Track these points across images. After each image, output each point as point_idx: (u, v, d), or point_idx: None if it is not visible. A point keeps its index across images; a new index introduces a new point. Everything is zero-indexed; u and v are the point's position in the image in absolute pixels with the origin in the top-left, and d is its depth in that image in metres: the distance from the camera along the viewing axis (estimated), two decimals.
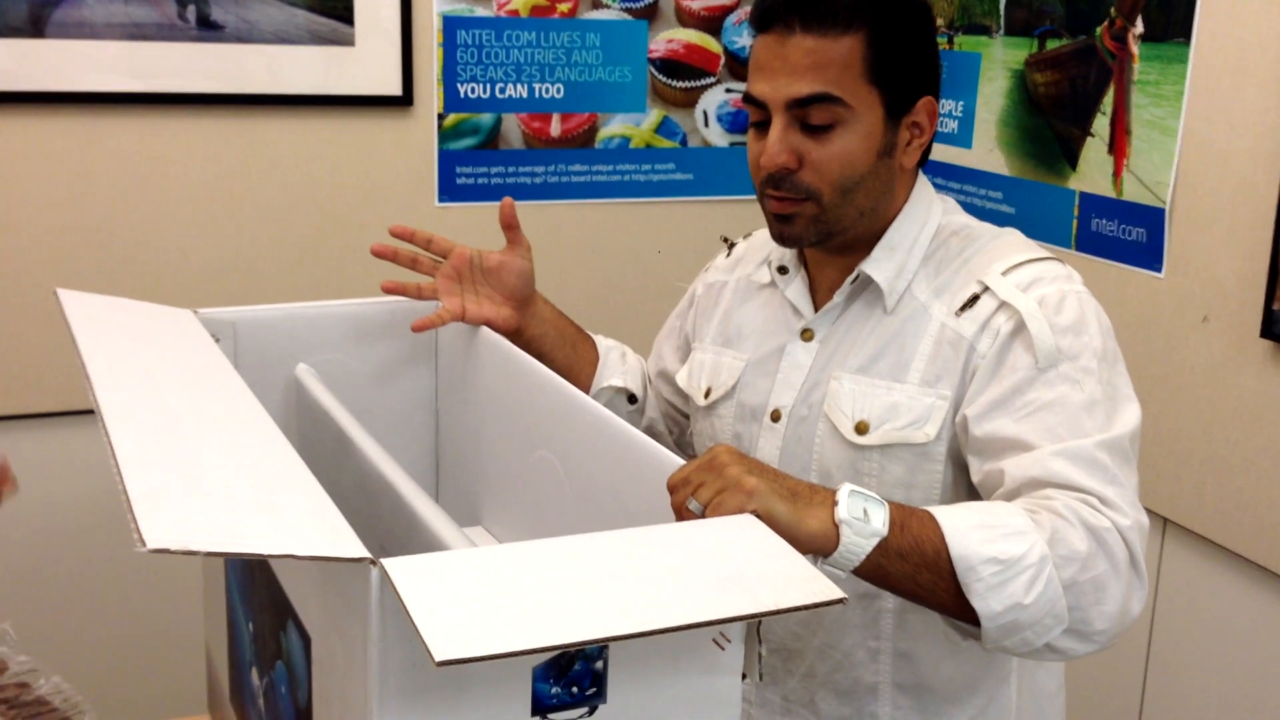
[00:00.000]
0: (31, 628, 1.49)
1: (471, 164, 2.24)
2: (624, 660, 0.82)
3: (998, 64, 2.10)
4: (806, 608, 0.80)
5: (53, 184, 2.02)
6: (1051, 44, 1.98)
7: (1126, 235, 1.85)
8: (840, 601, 0.81)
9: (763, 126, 1.20)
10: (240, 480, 0.85)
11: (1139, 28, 1.80)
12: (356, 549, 0.76)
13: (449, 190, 2.24)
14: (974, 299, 1.17)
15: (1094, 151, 1.90)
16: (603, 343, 1.50)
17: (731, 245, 1.44)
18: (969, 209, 2.24)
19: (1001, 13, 2.09)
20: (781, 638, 1.27)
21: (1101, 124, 1.88)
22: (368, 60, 2.13)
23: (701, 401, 1.34)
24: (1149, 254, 1.81)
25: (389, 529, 1.04)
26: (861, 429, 1.19)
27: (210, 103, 2.06)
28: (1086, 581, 1.01)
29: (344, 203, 2.18)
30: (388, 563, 0.75)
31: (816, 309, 1.27)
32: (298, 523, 0.80)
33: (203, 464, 0.86)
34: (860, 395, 1.20)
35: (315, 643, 0.90)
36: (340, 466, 1.19)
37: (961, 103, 2.19)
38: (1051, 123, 1.99)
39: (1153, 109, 1.79)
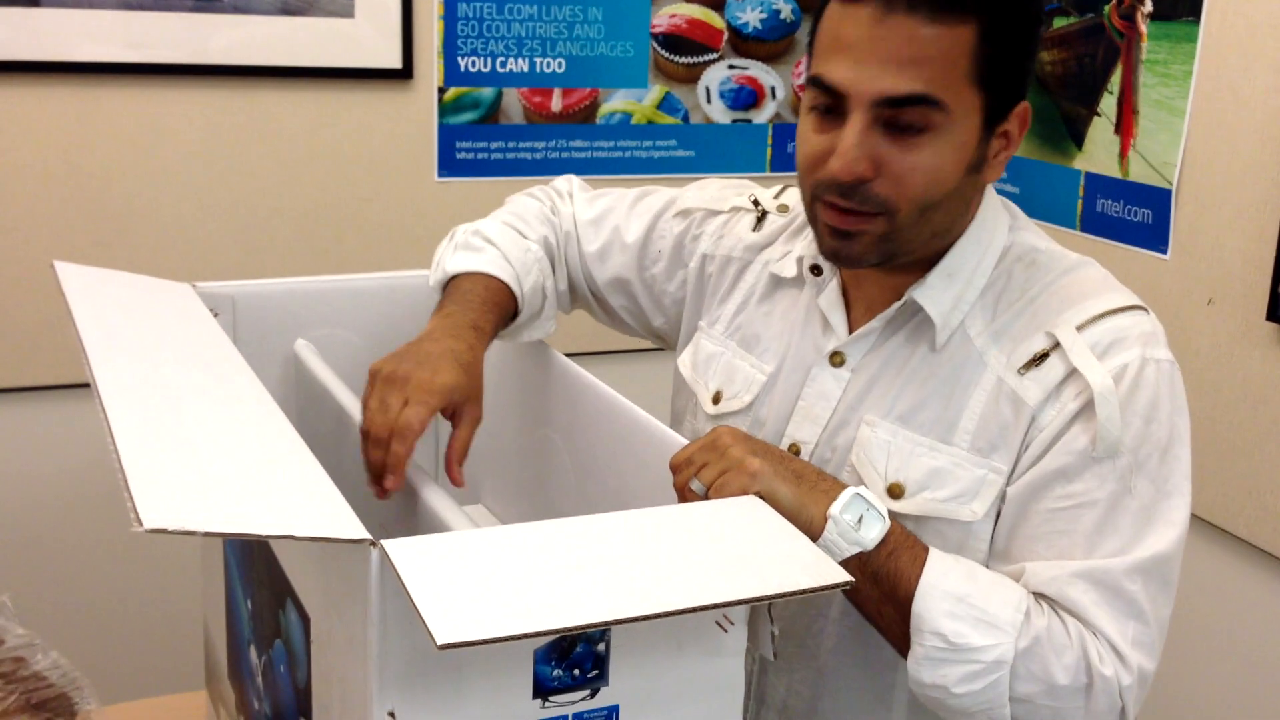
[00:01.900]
0: (29, 602, 1.48)
1: (472, 139, 2.22)
2: (626, 643, 0.82)
3: None
4: (812, 590, 0.79)
5: (49, 155, 2.00)
6: (1059, 22, 1.96)
7: (1132, 216, 1.84)
8: (847, 584, 0.80)
9: (830, 115, 1.00)
10: (238, 458, 0.84)
11: (1148, 6, 1.78)
12: (356, 530, 0.75)
13: (449, 165, 2.22)
14: (1042, 357, 1.01)
15: (1100, 131, 1.89)
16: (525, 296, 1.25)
17: (762, 215, 1.22)
18: None
19: None
20: (784, 697, 1.17)
21: (1109, 103, 1.86)
22: (367, 32, 2.11)
23: (709, 408, 1.18)
24: (1155, 235, 1.80)
25: (390, 508, 1.03)
26: (895, 492, 1.03)
27: (208, 74, 2.04)
28: (1045, 709, 0.95)
29: (343, 177, 2.16)
30: (388, 544, 0.74)
31: (851, 327, 1.10)
32: (296, 502, 0.79)
33: (200, 441, 0.85)
34: (897, 451, 1.04)
35: (314, 623, 0.89)
36: (340, 443, 1.18)
37: None
38: (1058, 102, 1.97)
39: (1161, 89, 1.77)
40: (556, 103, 2.25)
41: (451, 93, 2.19)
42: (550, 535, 0.82)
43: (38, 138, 1.98)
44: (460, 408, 1.09)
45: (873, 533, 0.94)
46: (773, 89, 2.38)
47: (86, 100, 2.00)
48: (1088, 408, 0.98)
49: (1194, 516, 1.78)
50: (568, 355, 1.26)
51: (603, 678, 0.82)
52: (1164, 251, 1.78)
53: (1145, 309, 1.06)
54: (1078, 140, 1.93)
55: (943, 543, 1.02)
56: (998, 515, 1.03)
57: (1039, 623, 0.95)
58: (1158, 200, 1.78)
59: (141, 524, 0.69)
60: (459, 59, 2.18)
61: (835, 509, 0.93)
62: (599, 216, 1.29)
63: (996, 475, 1.01)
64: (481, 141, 2.22)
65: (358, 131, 2.15)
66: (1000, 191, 2.07)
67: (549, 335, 1.30)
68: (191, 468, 0.80)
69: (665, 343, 1.32)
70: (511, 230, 1.26)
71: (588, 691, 0.81)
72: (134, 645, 2.18)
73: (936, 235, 1.03)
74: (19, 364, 2.04)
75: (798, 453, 1.10)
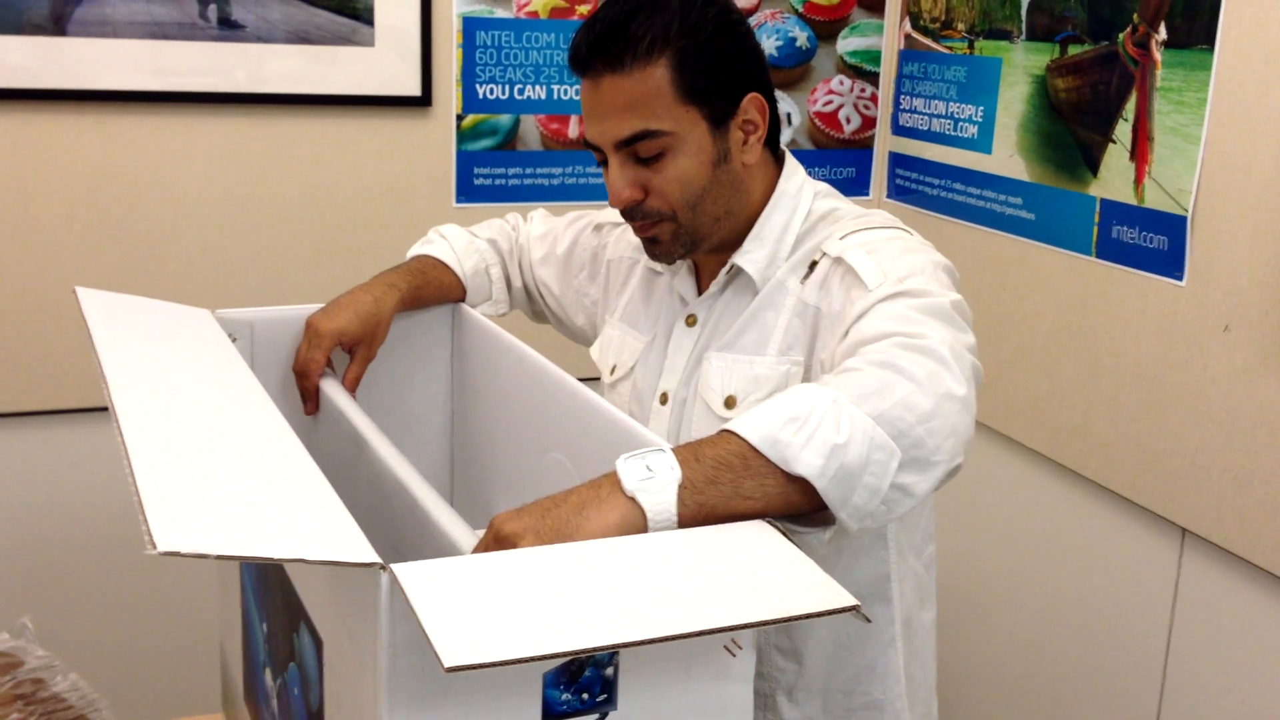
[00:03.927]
0: (49, 624, 1.50)
1: (489, 165, 2.24)
2: (635, 666, 0.82)
3: (1019, 69, 2.09)
4: (819, 614, 0.79)
5: (74, 182, 2.02)
6: (1073, 50, 1.97)
7: (1148, 243, 1.84)
8: (854, 608, 0.81)
9: (606, 164, 1.24)
10: (253, 482, 0.85)
11: (1162, 34, 1.79)
12: (367, 554, 0.76)
13: (467, 190, 2.24)
14: (813, 265, 1.22)
15: (1115, 158, 1.89)
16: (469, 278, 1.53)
17: None
18: (987, 215, 2.27)
19: (1023, 18, 2.08)
20: None
21: (1123, 130, 1.87)
22: (387, 61, 2.13)
23: (607, 379, 1.40)
24: (1170, 262, 1.80)
25: (403, 531, 1.04)
26: (730, 403, 1.23)
27: (230, 102, 2.07)
28: (894, 406, 0.96)
29: (362, 203, 2.18)
30: (398, 568, 0.75)
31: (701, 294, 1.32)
32: (309, 526, 0.79)
33: (215, 465, 0.86)
34: (726, 371, 1.25)
35: (327, 646, 0.90)
36: (355, 468, 1.19)
37: (981, 108, 2.18)
38: (1073, 129, 1.98)
39: (1175, 116, 1.77)
40: (573, 129, 2.27)
41: (470, 120, 2.21)
42: (559, 559, 0.82)
43: (63, 164, 2.01)
44: (354, 347, 1.39)
45: (665, 463, 0.92)
46: (789, 115, 2.40)
47: (111, 128, 2.03)
48: (849, 272, 1.17)
49: (1210, 543, 1.77)
50: (579, 380, 1.27)
51: (611, 701, 0.82)
52: (1180, 278, 1.78)
53: (910, 231, 1.23)
54: (1093, 167, 1.93)
55: None
56: None
57: (828, 376, 1.02)
58: (1173, 227, 1.79)
59: (155, 547, 0.70)
60: (477, 86, 2.20)
61: (628, 484, 0.90)
62: (545, 233, 1.56)
63: (795, 367, 1.21)
64: (499, 168, 2.25)
65: (377, 158, 2.17)
66: (1014, 218, 2.09)
67: (501, 315, 1.56)
68: (206, 491, 0.81)
69: (584, 339, 1.53)
70: (464, 231, 1.56)
71: (596, 715, 0.82)
72: (152, 667, 2.19)
73: (720, 219, 1.25)
74: (43, 388, 2.06)
75: (665, 400, 1.31)
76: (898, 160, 2.44)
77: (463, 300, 1.53)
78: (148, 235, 2.08)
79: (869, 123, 2.46)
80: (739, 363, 1.25)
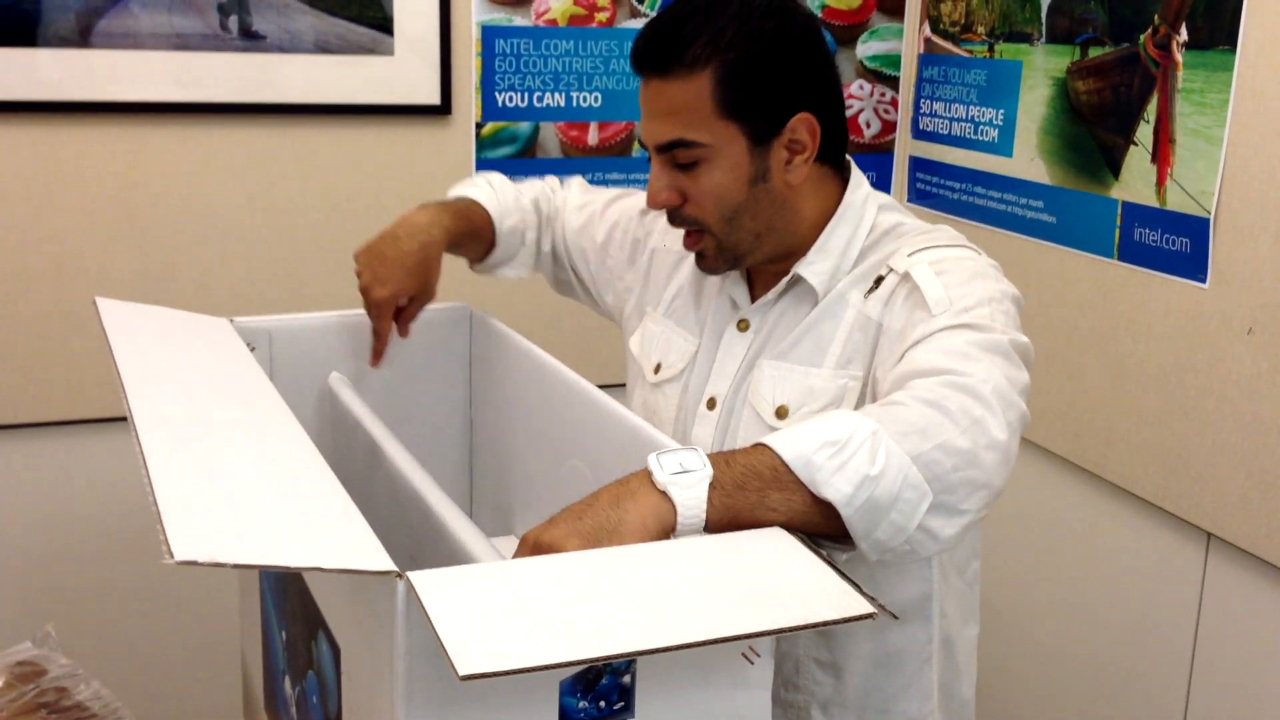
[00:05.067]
0: (72, 632, 1.50)
1: (509, 172, 2.18)
2: (652, 674, 0.82)
3: (1039, 72, 2.08)
4: (838, 622, 0.79)
5: (96, 192, 2.04)
6: (1094, 52, 1.96)
7: (1170, 245, 1.82)
8: (871, 616, 0.80)
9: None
10: (270, 491, 0.85)
11: (1183, 35, 1.78)
12: (383, 562, 0.76)
13: None
14: (879, 280, 1.20)
15: (1137, 160, 1.88)
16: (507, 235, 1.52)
17: None
18: (1009, 218, 2.25)
19: (1043, 20, 2.07)
20: None
21: (1145, 132, 1.86)
22: (407, 70, 2.14)
23: (651, 377, 1.36)
24: (1193, 264, 1.78)
25: (419, 539, 1.04)
26: (781, 413, 1.21)
27: (251, 112, 2.08)
28: (934, 449, 0.96)
29: (382, 211, 2.16)
30: (414, 575, 0.75)
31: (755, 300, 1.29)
32: (326, 534, 0.80)
33: (233, 474, 0.86)
34: (779, 380, 1.22)
35: (345, 653, 0.90)
36: (372, 476, 1.19)
37: (1002, 111, 2.17)
38: (1094, 131, 1.96)
39: (1197, 117, 1.76)
40: (593, 136, 2.28)
41: (489, 127, 2.21)
42: (576, 566, 0.82)
43: (86, 175, 2.03)
44: (410, 300, 1.41)
45: (698, 460, 0.92)
46: None
47: (133, 139, 2.04)
48: (914, 291, 1.14)
49: (1235, 547, 1.75)
50: (599, 388, 1.27)
51: (629, 709, 0.82)
52: (1203, 280, 1.77)
53: (978, 251, 1.21)
54: (1114, 169, 1.92)
55: None
56: None
57: (874, 406, 1.01)
58: (1196, 229, 1.77)
59: (173, 556, 0.70)
60: (496, 94, 2.20)
61: (660, 477, 0.91)
62: (583, 204, 1.54)
63: (854, 381, 1.18)
64: (519, 175, 2.22)
65: (397, 166, 2.17)
66: (1036, 221, 2.08)
67: (518, 278, 1.56)
68: (223, 500, 0.81)
69: (606, 313, 1.53)
70: (512, 185, 1.55)
71: None
72: (174, 675, 2.20)
73: (760, 236, 1.23)
74: (67, 398, 2.07)
75: (713, 405, 1.28)
76: (918, 164, 2.43)
77: (486, 256, 1.51)
78: (169, 244, 2.09)
79: (889, 127, 2.46)
80: (794, 372, 1.22)
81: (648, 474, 0.92)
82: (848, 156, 1.28)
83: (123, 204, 2.05)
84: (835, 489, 0.92)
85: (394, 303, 1.39)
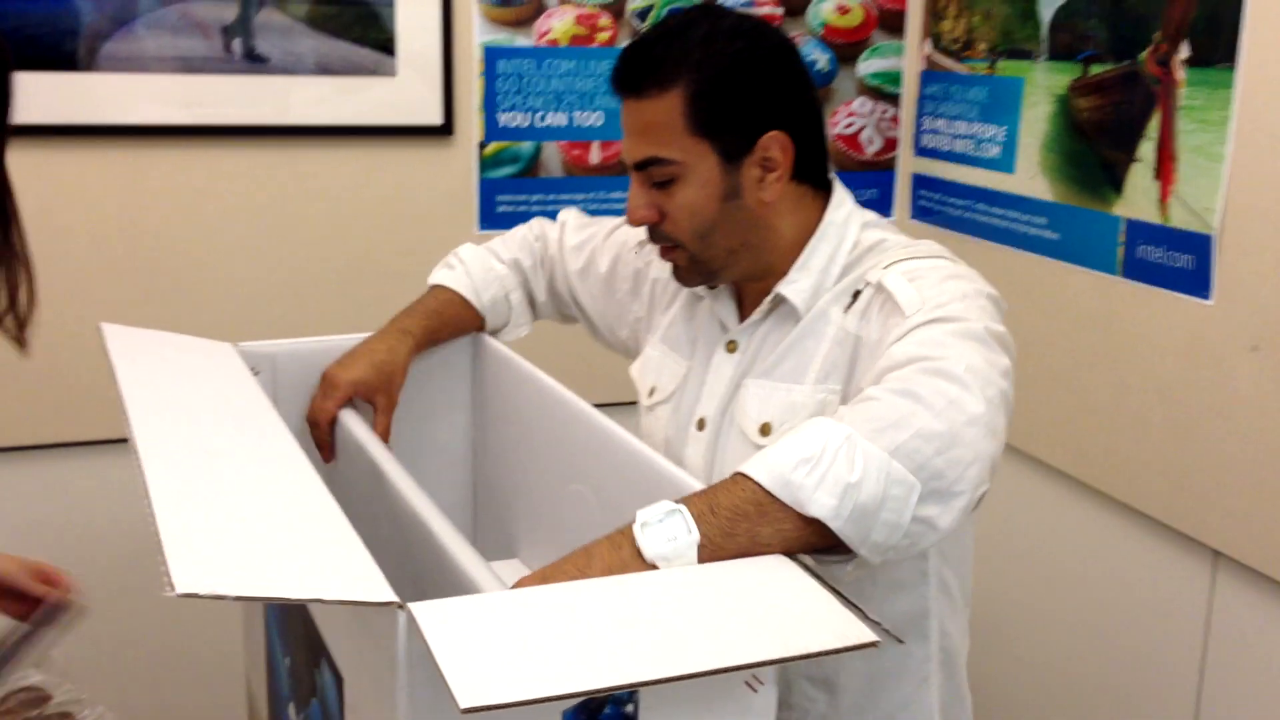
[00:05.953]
0: (77, 657, 1.50)
1: (512, 192, 2.24)
2: (655, 703, 0.81)
3: (1040, 89, 2.08)
4: (839, 650, 0.79)
5: (101, 216, 2.04)
6: (1095, 69, 1.96)
7: (1173, 262, 1.82)
8: (874, 644, 0.80)
9: None
10: (271, 519, 0.85)
11: (1184, 52, 1.78)
12: (384, 593, 0.76)
13: (489, 218, 2.24)
14: (856, 294, 1.20)
15: (1140, 177, 1.88)
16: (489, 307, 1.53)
17: None
18: (1011, 235, 2.25)
19: (1044, 37, 2.07)
20: None
21: (1147, 149, 1.86)
22: (409, 90, 2.14)
23: (645, 400, 1.38)
24: (1197, 281, 1.78)
25: (422, 566, 1.04)
26: (765, 431, 1.22)
27: (255, 134, 2.08)
28: (912, 438, 0.95)
29: (386, 232, 2.19)
30: (415, 607, 0.75)
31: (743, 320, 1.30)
32: (327, 564, 0.80)
33: (235, 503, 0.87)
34: (764, 398, 1.23)
35: (347, 683, 0.90)
36: (375, 501, 1.19)
37: (1004, 128, 2.17)
38: (1096, 148, 1.96)
39: (1200, 134, 1.76)
40: (595, 155, 2.28)
41: (492, 147, 2.22)
42: (578, 596, 0.82)
43: (88, 199, 2.03)
44: (372, 396, 1.40)
45: (682, 525, 0.91)
46: None
47: (137, 162, 2.04)
48: (888, 300, 1.15)
49: (1243, 565, 1.75)
50: (597, 406, 1.27)
51: None
52: (1206, 297, 1.77)
53: (954, 260, 1.20)
54: (1117, 186, 1.92)
55: None
56: None
57: (844, 408, 1.01)
58: (1199, 246, 1.77)
59: (174, 589, 0.70)
60: (498, 114, 2.21)
61: (649, 551, 0.90)
62: (582, 243, 1.53)
63: (833, 395, 1.19)
64: (522, 195, 2.25)
65: (400, 187, 2.17)
66: (1038, 238, 2.08)
67: (522, 336, 1.57)
68: (225, 529, 0.81)
69: (625, 350, 1.52)
70: (484, 253, 1.55)
71: None
72: (179, 701, 2.20)
73: (734, 252, 1.24)
74: (72, 421, 2.08)
75: (703, 426, 1.29)
76: (920, 181, 2.43)
77: (482, 330, 1.53)
78: (173, 267, 2.09)
79: (890, 144, 2.46)
80: (776, 390, 1.23)
81: (636, 547, 0.91)
82: (832, 175, 1.29)
83: (126, 227, 2.06)
84: (820, 505, 0.93)
85: (350, 389, 1.38)
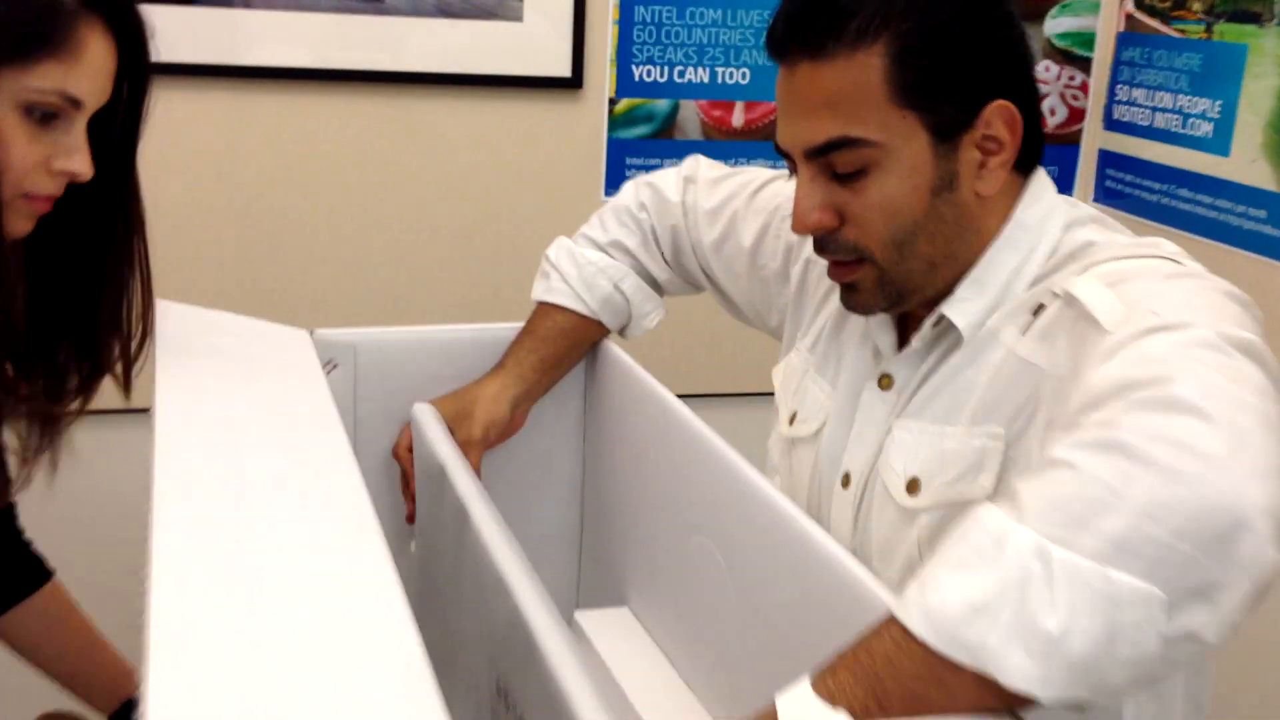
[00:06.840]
0: None
1: (643, 155, 2.04)
2: None
3: (1268, 58, 1.78)
4: None
5: (196, 163, 1.88)
6: None
7: None
8: None
9: (795, 174, 0.97)
10: (301, 610, 0.65)
11: None
12: None
13: (616, 183, 2.03)
14: (1039, 309, 0.91)
15: None
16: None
17: None
18: (1222, 229, 1.95)
19: None
20: None
21: None
22: (536, 38, 1.94)
23: (785, 429, 1.12)
24: None
25: (506, 650, 0.83)
26: (913, 488, 0.95)
27: (368, 80, 1.90)
28: (1135, 522, 0.65)
29: (501, 194, 1.99)
30: None
31: (904, 347, 1.02)
32: (363, 687, 0.58)
33: (254, 583, 0.66)
34: (913, 445, 0.96)
35: None
36: (461, 544, 0.98)
37: (1219, 102, 1.88)
38: None
39: None
40: (738, 117, 2.05)
41: (624, 104, 2.01)
42: None
43: (178, 144, 1.86)
44: (467, 453, 1.17)
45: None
46: None
47: (233, 106, 1.87)
48: (1081, 316, 0.85)
49: None
50: (702, 396, 1.04)
51: None
52: None
53: (1179, 258, 0.90)
54: None
55: None
56: None
57: (1023, 484, 0.71)
58: None
59: None
60: (633, 68, 1.99)
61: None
62: (719, 206, 1.26)
63: (993, 441, 0.91)
64: (655, 158, 2.04)
65: (521, 145, 1.98)
66: (1256, 234, 1.78)
67: (658, 320, 1.33)
68: (229, 638, 0.60)
69: (776, 336, 1.25)
70: (580, 243, 1.31)
71: None
72: None
73: (938, 264, 0.96)
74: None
75: (848, 482, 1.03)
76: (1109, 159, 2.15)
77: (606, 334, 1.30)
78: (263, 228, 1.92)
79: (1077, 115, 2.17)
80: (926, 434, 0.96)
81: None
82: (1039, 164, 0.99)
83: (216, 179, 1.89)
84: (1016, 672, 0.65)
85: (485, 442, 1.21)
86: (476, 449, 1.21)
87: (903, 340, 1.02)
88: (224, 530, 0.72)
